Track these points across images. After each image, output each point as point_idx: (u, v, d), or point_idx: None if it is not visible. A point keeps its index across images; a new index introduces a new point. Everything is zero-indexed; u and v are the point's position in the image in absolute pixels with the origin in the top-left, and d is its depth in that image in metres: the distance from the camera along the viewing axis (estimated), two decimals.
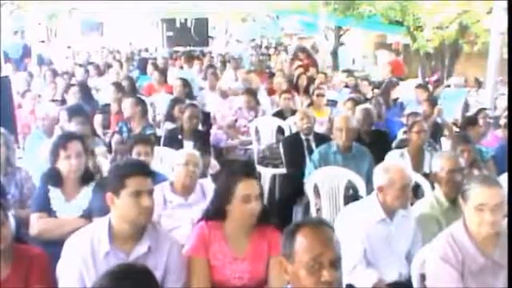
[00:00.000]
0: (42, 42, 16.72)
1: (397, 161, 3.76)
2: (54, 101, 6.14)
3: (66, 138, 3.11)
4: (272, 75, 9.74)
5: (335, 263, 1.73)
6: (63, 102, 6.39)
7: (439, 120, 5.74)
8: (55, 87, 6.95)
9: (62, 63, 11.95)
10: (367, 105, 5.66)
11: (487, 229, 2.36)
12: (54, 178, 3.03)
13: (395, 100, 7.17)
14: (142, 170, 2.27)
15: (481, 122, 5.37)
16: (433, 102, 6.22)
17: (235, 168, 2.55)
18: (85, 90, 6.91)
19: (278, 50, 15.73)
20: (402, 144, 4.74)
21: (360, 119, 5.04)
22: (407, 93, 7.76)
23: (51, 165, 3.07)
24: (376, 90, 8.39)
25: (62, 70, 9.33)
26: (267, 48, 16.75)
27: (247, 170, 2.54)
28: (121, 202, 2.21)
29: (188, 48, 13.27)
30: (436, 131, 5.45)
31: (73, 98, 6.23)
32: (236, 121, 6.33)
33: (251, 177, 2.44)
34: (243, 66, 11.06)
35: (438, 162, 3.20)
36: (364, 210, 2.98)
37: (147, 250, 2.24)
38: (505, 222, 2.44)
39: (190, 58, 10.57)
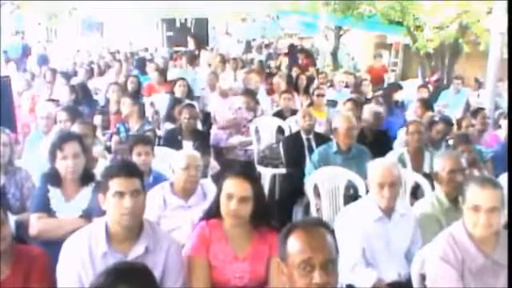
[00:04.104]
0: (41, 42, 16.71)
1: (388, 159, 3.74)
2: (52, 100, 6.13)
3: (63, 138, 3.09)
4: (271, 75, 9.73)
5: (327, 265, 1.71)
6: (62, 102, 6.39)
7: (437, 119, 5.73)
8: (51, 87, 6.95)
9: (62, 63, 11.93)
10: (378, 107, 5.61)
11: (481, 230, 2.36)
12: (53, 178, 3.03)
13: (397, 102, 7.18)
14: (124, 170, 2.23)
15: (478, 121, 5.38)
16: (426, 102, 6.23)
17: (230, 166, 2.56)
18: (85, 90, 6.93)
19: (276, 51, 15.72)
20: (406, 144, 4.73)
21: (369, 120, 5.05)
22: (408, 93, 7.76)
23: (50, 165, 3.07)
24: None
25: (61, 70, 9.31)
26: (266, 47, 16.75)
27: (239, 169, 2.55)
28: (107, 203, 2.22)
29: (188, 48, 13.28)
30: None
31: (73, 98, 6.23)
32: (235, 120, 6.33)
33: (241, 177, 2.43)
34: (243, 66, 11.04)
35: (439, 162, 3.20)
36: (362, 209, 2.99)
37: (144, 251, 2.24)
38: (504, 222, 2.44)
39: (192, 57, 10.55)
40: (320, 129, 5.67)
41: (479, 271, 2.42)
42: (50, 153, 3.04)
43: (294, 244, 1.76)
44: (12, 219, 2.66)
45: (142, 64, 10.05)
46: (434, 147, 4.58)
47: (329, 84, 8.87)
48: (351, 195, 4.09)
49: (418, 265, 2.68)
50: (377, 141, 4.98)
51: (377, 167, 2.95)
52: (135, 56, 12.94)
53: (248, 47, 16.08)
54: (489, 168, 4.52)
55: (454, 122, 5.59)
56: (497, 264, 2.42)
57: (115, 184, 2.19)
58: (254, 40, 17.41)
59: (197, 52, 9.72)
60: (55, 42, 18.12)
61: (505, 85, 7.45)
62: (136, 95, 6.36)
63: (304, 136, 5.01)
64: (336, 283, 1.76)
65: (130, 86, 6.89)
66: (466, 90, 8.62)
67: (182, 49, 12.74)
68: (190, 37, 10.15)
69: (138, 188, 2.22)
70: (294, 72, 9.61)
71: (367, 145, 4.63)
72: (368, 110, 5.28)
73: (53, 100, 6.18)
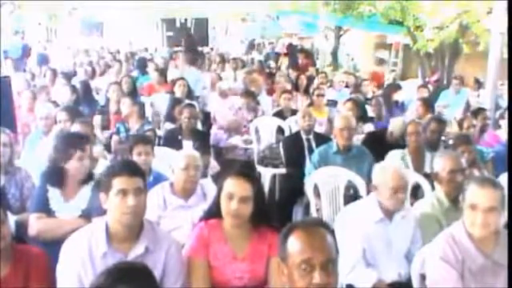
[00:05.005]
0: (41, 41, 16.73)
1: (394, 161, 3.75)
2: (52, 102, 6.13)
3: (81, 139, 3.12)
4: (271, 75, 9.73)
5: (327, 265, 1.71)
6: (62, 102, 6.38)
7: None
8: (50, 89, 6.95)
9: (62, 63, 11.94)
10: (403, 118, 5.39)
11: (479, 230, 2.37)
12: (54, 177, 3.03)
13: (397, 102, 7.18)
14: (127, 169, 2.24)
15: (479, 121, 5.36)
16: (427, 101, 6.22)
17: (230, 166, 2.56)
18: (86, 89, 6.93)
19: (276, 50, 15.73)
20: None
21: (397, 133, 4.89)
22: (407, 93, 7.76)
23: (58, 164, 3.06)
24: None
25: (62, 70, 9.32)
26: (266, 47, 16.78)
27: (239, 169, 2.55)
28: (109, 202, 2.22)
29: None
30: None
31: (74, 98, 6.23)
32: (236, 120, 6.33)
33: (241, 177, 2.43)
34: (243, 66, 11.05)
35: (439, 162, 3.19)
36: (363, 210, 2.98)
37: (144, 251, 2.24)
38: (504, 222, 2.44)
39: (194, 57, 10.54)
40: (320, 129, 5.68)
41: (479, 271, 2.42)
42: (65, 152, 3.02)
43: (294, 244, 1.75)
44: (12, 219, 2.66)
45: (142, 64, 10.04)
46: (431, 148, 4.50)
47: (329, 84, 8.88)
48: (351, 195, 4.09)
49: (418, 265, 2.68)
50: (377, 141, 4.95)
51: (388, 171, 2.91)
52: (135, 56, 12.95)
53: (250, 47, 16.11)
54: (489, 168, 4.50)
55: (453, 121, 5.57)
56: (497, 264, 2.42)
57: (118, 182, 2.19)
58: (253, 40, 17.44)
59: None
60: (55, 41, 18.15)
61: (505, 85, 7.45)
62: (134, 95, 6.36)
63: (304, 136, 5.01)
64: (336, 283, 1.76)
65: (125, 86, 6.88)
66: (466, 90, 8.61)
67: (182, 49, 12.74)
68: (183, 37, 10.11)
69: (140, 187, 2.23)
70: (294, 72, 9.61)
71: (367, 145, 4.61)
72: (396, 122, 5.08)
73: (53, 101, 6.18)
